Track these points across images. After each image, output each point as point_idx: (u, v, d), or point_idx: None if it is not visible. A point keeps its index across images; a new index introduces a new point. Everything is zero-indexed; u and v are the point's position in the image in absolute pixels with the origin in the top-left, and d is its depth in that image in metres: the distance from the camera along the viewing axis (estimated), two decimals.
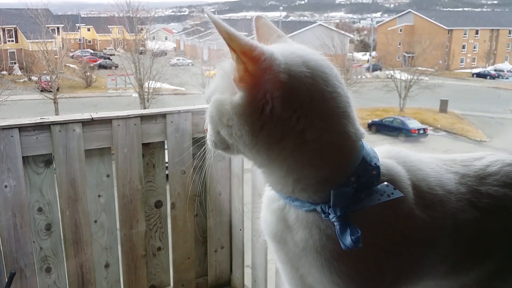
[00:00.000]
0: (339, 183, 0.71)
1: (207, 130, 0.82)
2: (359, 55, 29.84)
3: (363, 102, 20.56)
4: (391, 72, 22.95)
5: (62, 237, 2.39)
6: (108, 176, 2.53)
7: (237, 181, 2.84)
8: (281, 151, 0.70)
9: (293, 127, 0.69)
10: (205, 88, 0.81)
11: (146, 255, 2.72)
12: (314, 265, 0.75)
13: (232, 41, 0.66)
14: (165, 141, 2.70)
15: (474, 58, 31.02)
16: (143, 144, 2.61)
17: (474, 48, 31.32)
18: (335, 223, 0.70)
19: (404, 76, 21.71)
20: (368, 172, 0.72)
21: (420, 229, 0.76)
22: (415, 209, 0.75)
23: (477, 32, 31.75)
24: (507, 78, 26.12)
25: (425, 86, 21.20)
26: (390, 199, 0.70)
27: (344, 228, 0.68)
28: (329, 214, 0.71)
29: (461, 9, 35.81)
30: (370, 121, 18.32)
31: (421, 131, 17.13)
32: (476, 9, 36.93)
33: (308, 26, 28.24)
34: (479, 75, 27.51)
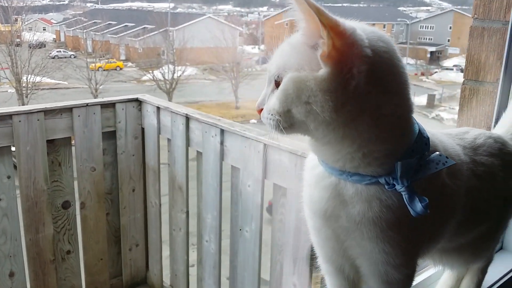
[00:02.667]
0: (402, 154, 0.73)
1: (260, 111, 0.77)
2: (248, 48, 30.33)
3: (255, 94, 20.79)
4: None
5: None
6: (9, 177, 2.31)
7: (153, 176, 2.75)
8: (358, 126, 0.70)
9: (372, 102, 0.70)
10: (270, 64, 0.76)
11: (55, 260, 2.54)
12: (367, 237, 0.76)
13: (322, 16, 0.66)
14: (72, 137, 2.53)
15: None
16: (47, 141, 2.41)
17: None
18: (404, 193, 0.72)
19: None
20: (423, 143, 0.76)
21: (449, 195, 0.82)
22: (445, 177, 0.80)
23: None
24: None
25: None
26: (444, 167, 0.74)
27: (412, 197, 0.71)
28: (394, 185, 0.72)
29: (340, 5, 37.90)
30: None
31: None
32: (354, 5, 39.42)
33: (198, 18, 28.05)
34: None
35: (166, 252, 2.80)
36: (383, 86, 0.70)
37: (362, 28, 0.71)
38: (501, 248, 1.27)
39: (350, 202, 0.76)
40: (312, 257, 1.75)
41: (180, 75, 21.14)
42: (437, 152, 0.76)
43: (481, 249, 1.04)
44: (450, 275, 1.10)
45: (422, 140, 0.76)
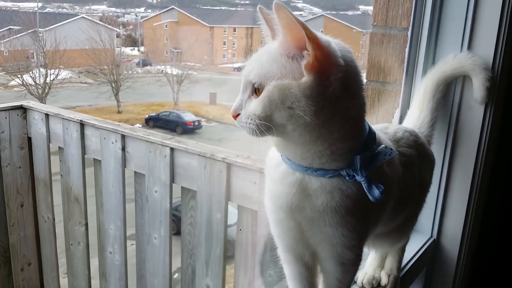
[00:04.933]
0: (359, 148, 0.82)
1: (236, 116, 0.81)
2: (128, 50, 29.32)
3: (138, 98, 20.46)
4: (162, 67, 23.34)
5: None
6: None
7: (43, 188, 2.56)
8: (331, 127, 0.78)
9: (343, 105, 0.78)
10: (246, 72, 0.80)
11: None
12: (329, 224, 0.84)
13: (307, 30, 0.73)
14: None
15: (234, 53, 33.62)
16: None
17: (234, 44, 33.90)
18: (363, 183, 0.81)
19: (175, 71, 22.32)
20: (372, 137, 0.86)
21: (389, 182, 0.92)
22: (385, 167, 0.90)
23: (235, 30, 34.48)
24: None
25: (195, 81, 22.19)
26: (390, 158, 0.85)
27: (370, 185, 0.81)
28: (354, 176, 0.81)
29: (218, 8, 38.40)
30: (147, 116, 18.34)
31: (196, 123, 17.94)
32: (232, 8, 40.16)
33: (71, 18, 26.41)
34: (239, 69, 29.76)
35: (62, 268, 2.63)
36: (351, 91, 0.80)
37: (331, 41, 0.79)
38: None
39: (314, 194, 0.83)
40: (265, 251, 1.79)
41: (54, 79, 19.77)
42: (383, 145, 0.86)
43: (405, 230, 1.17)
44: (375, 256, 1.22)
45: (371, 135, 0.85)
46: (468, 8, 1.13)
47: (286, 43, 0.76)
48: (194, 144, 2.01)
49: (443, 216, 1.32)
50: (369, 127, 0.86)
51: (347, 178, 0.82)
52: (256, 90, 0.79)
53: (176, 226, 2.49)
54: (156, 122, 17.57)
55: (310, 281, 0.96)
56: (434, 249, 1.35)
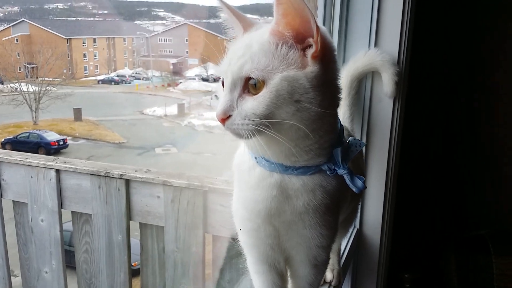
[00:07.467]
0: (335, 142, 0.79)
1: (225, 119, 0.70)
2: None
3: None
4: (16, 84, 21.38)
5: None
6: None
7: None
8: (324, 118, 0.73)
9: (335, 93, 0.77)
10: (233, 68, 0.72)
11: None
12: (308, 225, 0.79)
13: (315, 22, 0.70)
14: None
15: (97, 65, 31.84)
16: None
17: (95, 56, 32.15)
18: (346, 175, 0.78)
19: (31, 87, 20.59)
20: (342, 130, 0.84)
21: None
22: None
23: (95, 41, 32.80)
24: (129, 83, 28.17)
25: (56, 96, 20.66)
26: (360, 149, 0.84)
27: (352, 176, 0.79)
28: (335, 170, 0.78)
29: (74, 19, 36.34)
30: (3, 139, 16.59)
31: (61, 142, 16.64)
32: (89, 19, 38.27)
33: None
34: (104, 81, 28.53)
35: None
36: (338, 80, 0.78)
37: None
38: None
39: (295, 195, 0.78)
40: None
41: None
42: (352, 137, 0.85)
43: (350, 222, 1.20)
44: None
45: (342, 128, 0.84)
46: (373, 7, 1.19)
47: (285, 32, 0.71)
48: (83, 163, 1.84)
49: (363, 206, 1.38)
50: (339, 120, 0.84)
51: (328, 172, 0.79)
52: (250, 87, 0.71)
53: None
54: (15, 145, 15.91)
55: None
56: (358, 238, 1.41)
